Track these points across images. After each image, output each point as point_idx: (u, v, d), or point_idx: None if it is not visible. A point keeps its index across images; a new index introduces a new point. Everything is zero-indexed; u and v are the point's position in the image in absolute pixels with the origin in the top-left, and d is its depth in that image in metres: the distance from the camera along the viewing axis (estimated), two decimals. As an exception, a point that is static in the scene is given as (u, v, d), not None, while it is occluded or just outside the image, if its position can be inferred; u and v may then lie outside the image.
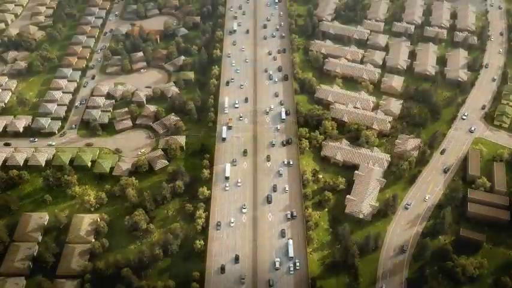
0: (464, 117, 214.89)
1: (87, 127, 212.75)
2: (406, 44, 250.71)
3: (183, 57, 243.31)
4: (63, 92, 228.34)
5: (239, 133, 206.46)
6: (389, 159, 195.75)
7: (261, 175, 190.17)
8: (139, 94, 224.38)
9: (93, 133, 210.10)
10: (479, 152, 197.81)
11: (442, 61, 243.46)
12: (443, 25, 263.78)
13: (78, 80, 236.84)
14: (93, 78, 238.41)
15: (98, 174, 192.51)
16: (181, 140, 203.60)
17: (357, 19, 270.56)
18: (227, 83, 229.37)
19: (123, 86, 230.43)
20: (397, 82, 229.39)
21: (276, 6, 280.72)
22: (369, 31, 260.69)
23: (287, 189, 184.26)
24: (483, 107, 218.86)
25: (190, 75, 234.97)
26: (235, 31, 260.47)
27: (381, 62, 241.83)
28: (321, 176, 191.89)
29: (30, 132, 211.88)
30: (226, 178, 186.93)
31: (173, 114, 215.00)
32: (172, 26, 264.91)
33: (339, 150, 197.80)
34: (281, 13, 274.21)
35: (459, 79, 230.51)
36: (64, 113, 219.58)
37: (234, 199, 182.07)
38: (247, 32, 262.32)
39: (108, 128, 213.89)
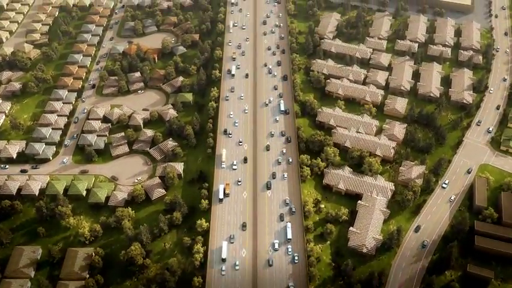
0: (470, 142, 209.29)
1: (83, 153, 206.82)
2: (410, 64, 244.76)
3: (181, 78, 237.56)
4: (58, 115, 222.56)
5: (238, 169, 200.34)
6: (393, 187, 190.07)
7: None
8: (136, 118, 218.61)
9: (88, 159, 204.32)
10: (486, 180, 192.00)
11: (446, 81, 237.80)
12: (447, 43, 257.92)
13: (73, 102, 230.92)
14: (83, 101, 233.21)
15: (93, 204, 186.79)
16: (179, 167, 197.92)
17: (359, 37, 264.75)
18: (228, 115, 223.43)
19: (119, 109, 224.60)
20: (400, 104, 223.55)
21: (276, 23, 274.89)
22: (371, 49, 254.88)
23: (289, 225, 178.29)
24: (488, 130, 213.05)
25: (189, 97, 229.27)
26: (234, 59, 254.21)
27: (384, 83, 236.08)
28: (323, 206, 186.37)
29: (24, 158, 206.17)
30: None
31: (171, 139, 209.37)
32: (170, 44, 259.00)
33: (342, 178, 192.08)
34: (282, 35, 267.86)
35: (464, 101, 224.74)
36: (59, 138, 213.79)
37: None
38: (243, 53, 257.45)
39: (104, 154, 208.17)
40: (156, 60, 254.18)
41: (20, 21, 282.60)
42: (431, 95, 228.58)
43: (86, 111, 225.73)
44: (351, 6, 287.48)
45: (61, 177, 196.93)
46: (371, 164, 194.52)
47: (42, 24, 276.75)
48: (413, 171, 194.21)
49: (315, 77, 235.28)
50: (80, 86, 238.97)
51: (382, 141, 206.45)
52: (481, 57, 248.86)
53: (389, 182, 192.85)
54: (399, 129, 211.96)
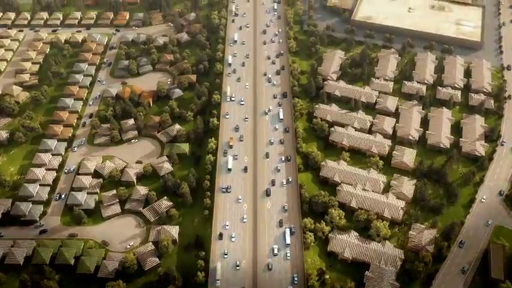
0: (483, 200, 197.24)
1: (72, 213, 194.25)
2: (418, 109, 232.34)
3: (177, 126, 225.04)
4: (46, 169, 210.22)
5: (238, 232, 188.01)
6: (402, 256, 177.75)
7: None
8: (129, 172, 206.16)
9: (77, 221, 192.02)
10: (502, 248, 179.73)
11: (457, 129, 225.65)
12: (457, 85, 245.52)
13: (63, 154, 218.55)
14: (73, 150, 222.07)
15: (82, 275, 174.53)
16: (174, 231, 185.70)
17: (364, 77, 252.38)
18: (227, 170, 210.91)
19: (111, 162, 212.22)
20: (408, 157, 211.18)
21: (277, 61, 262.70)
22: (377, 92, 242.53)
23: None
24: (500, 193, 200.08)
25: (185, 148, 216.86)
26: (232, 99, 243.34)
27: (391, 131, 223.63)
28: (327, 277, 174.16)
29: (9, 220, 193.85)
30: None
31: (165, 198, 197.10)
32: (166, 87, 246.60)
33: (348, 245, 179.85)
34: (280, 79, 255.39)
35: (476, 153, 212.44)
36: (47, 195, 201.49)
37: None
38: (246, 86, 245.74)
39: (95, 214, 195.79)
40: (151, 104, 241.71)
41: (9, 59, 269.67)
42: (441, 145, 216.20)
43: (73, 169, 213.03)
44: (355, 41, 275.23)
45: (48, 243, 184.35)
46: (379, 228, 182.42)
47: (32, 63, 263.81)
48: (424, 236, 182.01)
49: (318, 126, 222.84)
50: (70, 135, 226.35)
51: (390, 200, 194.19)
52: (492, 102, 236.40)
53: (399, 249, 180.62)
54: (408, 187, 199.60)
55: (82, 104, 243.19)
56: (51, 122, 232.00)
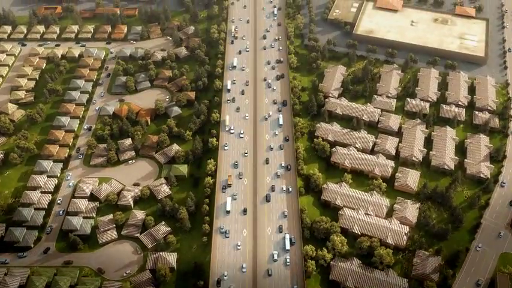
0: (489, 224, 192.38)
1: (67, 238, 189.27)
2: (421, 128, 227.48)
3: (175, 147, 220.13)
4: (41, 192, 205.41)
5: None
6: (406, 285, 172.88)
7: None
8: (126, 196, 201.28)
9: (73, 248, 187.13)
10: (508, 277, 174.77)
11: (461, 148, 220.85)
12: (461, 103, 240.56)
13: (59, 175, 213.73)
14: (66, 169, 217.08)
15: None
16: (172, 258, 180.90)
17: (366, 94, 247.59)
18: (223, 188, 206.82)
19: (108, 184, 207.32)
20: (412, 179, 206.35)
21: (277, 82, 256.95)
22: (379, 110, 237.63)
23: None
24: (499, 235, 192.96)
25: (183, 169, 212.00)
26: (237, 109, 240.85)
27: (394, 152, 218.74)
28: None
29: (3, 246, 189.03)
30: None
31: (163, 223, 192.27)
32: (164, 104, 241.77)
33: (350, 273, 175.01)
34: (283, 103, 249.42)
35: (481, 175, 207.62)
36: (42, 220, 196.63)
37: None
38: (246, 117, 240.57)
39: (91, 240, 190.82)
40: (149, 122, 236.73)
41: (4, 75, 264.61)
42: (446, 167, 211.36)
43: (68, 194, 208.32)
44: (356, 56, 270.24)
45: (43, 271, 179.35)
46: (382, 256, 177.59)
47: (28, 79, 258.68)
48: (429, 263, 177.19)
49: (319, 147, 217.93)
50: (66, 155, 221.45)
51: (393, 225, 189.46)
52: (497, 120, 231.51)
53: (402, 278, 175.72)
54: (412, 211, 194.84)
55: (78, 122, 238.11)
56: (47, 141, 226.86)
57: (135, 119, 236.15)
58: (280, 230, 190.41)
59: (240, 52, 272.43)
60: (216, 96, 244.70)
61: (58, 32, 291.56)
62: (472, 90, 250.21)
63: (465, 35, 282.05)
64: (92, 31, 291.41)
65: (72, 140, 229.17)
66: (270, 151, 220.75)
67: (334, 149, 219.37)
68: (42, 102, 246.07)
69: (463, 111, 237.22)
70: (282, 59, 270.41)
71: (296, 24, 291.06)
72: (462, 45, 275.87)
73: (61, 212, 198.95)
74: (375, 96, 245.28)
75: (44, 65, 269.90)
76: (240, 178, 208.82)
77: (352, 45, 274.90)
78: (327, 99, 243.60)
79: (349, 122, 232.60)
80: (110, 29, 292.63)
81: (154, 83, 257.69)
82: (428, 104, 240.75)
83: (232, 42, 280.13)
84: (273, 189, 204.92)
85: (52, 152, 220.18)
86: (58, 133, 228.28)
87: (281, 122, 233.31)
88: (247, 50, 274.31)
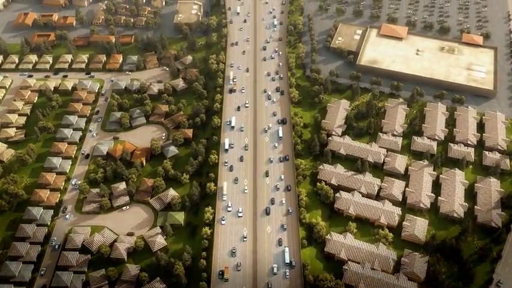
0: (500, 284, 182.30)
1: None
2: (429, 171, 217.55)
3: (171, 192, 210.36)
4: (30, 243, 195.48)
5: None
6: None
7: None
8: (119, 248, 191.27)
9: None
10: None
11: (471, 193, 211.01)
12: (469, 142, 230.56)
13: (49, 224, 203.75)
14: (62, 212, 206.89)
15: None
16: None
17: (371, 131, 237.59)
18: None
19: (100, 234, 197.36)
20: (420, 228, 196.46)
21: (280, 127, 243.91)
22: (385, 150, 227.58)
23: None
24: None
25: (180, 218, 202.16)
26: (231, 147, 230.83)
27: (400, 197, 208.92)
28: None
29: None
30: None
31: (158, 279, 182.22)
32: (160, 144, 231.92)
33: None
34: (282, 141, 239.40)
35: (493, 224, 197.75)
36: (30, 275, 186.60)
37: None
38: (246, 147, 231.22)
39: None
40: (144, 163, 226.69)
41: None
42: (455, 215, 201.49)
43: (58, 246, 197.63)
44: (360, 89, 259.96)
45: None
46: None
47: (19, 115, 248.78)
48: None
49: (322, 192, 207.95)
50: (57, 201, 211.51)
51: (401, 282, 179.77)
52: (508, 162, 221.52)
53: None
54: (420, 265, 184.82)
55: (71, 163, 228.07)
56: (37, 185, 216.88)
57: (130, 159, 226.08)
58: None
59: (238, 108, 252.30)
60: (214, 135, 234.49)
61: (51, 61, 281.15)
62: (481, 126, 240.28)
63: (473, 66, 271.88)
64: (86, 60, 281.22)
65: (63, 183, 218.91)
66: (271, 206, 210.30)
67: (337, 194, 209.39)
68: (33, 142, 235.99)
69: (472, 150, 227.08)
70: (283, 90, 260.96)
71: (297, 53, 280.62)
72: (470, 76, 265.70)
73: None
74: (380, 134, 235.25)
75: (36, 98, 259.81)
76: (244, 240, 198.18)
77: (355, 77, 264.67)
78: (330, 138, 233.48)
79: (354, 162, 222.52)
80: (104, 58, 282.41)
81: (150, 119, 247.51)
82: (435, 143, 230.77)
83: (230, 92, 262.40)
84: (279, 243, 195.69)
85: (42, 197, 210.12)
86: (49, 176, 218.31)
87: (282, 176, 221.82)
88: (244, 100, 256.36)
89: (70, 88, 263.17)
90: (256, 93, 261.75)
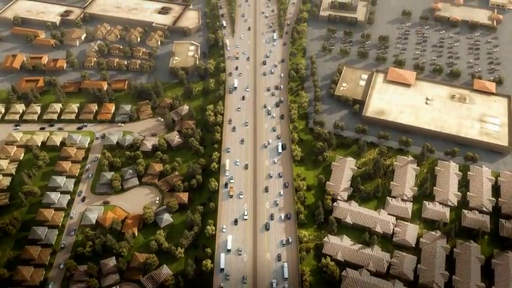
0: None
1: None
2: (442, 244, 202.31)
3: (165, 270, 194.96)
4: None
5: None
6: None
7: None
8: None
9: None
10: None
11: (487, 269, 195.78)
12: (485, 209, 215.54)
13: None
14: None
15: None
16: None
17: (379, 195, 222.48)
18: None
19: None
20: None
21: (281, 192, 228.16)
22: (394, 219, 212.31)
23: None
24: None
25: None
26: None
27: (412, 276, 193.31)
28: None
29: None
30: None
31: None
32: (153, 209, 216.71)
33: None
34: (287, 201, 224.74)
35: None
36: None
37: None
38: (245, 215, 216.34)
39: None
40: (136, 234, 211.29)
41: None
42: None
43: None
44: (367, 143, 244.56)
45: None
46: None
47: (3, 175, 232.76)
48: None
49: (328, 270, 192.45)
50: (41, 279, 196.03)
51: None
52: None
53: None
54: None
55: (58, 232, 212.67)
56: (20, 261, 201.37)
57: (121, 229, 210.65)
58: None
59: (236, 162, 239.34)
60: (212, 202, 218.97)
61: (39, 111, 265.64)
62: (496, 189, 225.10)
63: (486, 117, 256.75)
64: (76, 110, 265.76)
65: (49, 257, 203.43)
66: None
67: (344, 272, 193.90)
68: (17, 207, 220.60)
69: (487, 219, 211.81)
70: (284, 146, 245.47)
71: (300, 102, 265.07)
72: (483, 130, 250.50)
73: None
74: (389, 199, 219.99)
75: (23, 155, 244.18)
76: None
77: (361, 131, 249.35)
78: (335, 204, 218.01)
79: (361, 232, 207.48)
80: (96, 107, 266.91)
81: (143, 179, 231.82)
82: (448, 210, 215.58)
83: (233, 130, 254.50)
84: None
85: (25, 276, 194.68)
86: (33, 250, 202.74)
87: (283, 237, 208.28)
88: (244, 161, 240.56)
89: (58, 143, 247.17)
90: (256, 147, 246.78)
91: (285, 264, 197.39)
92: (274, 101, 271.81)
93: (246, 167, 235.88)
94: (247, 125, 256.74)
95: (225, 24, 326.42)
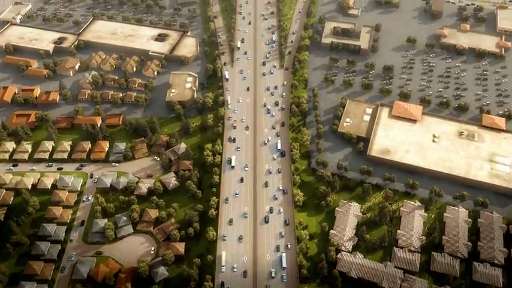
0: None
1: None
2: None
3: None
4: None
5: None
6: None
7: None
8: None
9: None
10: None
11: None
12: (497, 261, 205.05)
13: None
14: None
15: None
16: None
17: (385, 244, 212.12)
18: None
19: None
20: None
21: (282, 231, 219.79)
22: (401, 272, 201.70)
23: None
24: None
25: None
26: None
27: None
28: None
29: None
30: None
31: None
32: (148, 262, 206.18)
33: None
34: (289, 245, 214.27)
35: None
36: None
37: None
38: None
39: None
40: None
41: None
42: None
43: None
44: (371, 186, 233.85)
45: None
46: None
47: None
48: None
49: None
50: None
51: None
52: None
53: None
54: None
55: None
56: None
57: (114, 285, 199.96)
58: None
59: (236, 195, 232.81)
60: (209, 254, 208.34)
61: (30, 150, 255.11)
62: (508, 236, 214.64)
63: (495, 157, 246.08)
64: (69, 149, 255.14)
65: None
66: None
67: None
68: (5, 258, 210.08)
69: (499, 272, 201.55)
70: (286, 190, 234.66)
71: (302, 140, 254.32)
72: (493, 171, 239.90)
73: None
74: (395, 249, 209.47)
75: (12, 198, 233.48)
76: None
77: (366, 172, 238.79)
78: (339, 255, 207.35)
79: (367, 287, 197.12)
80: (89, 145, 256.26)
81: (138, 227, 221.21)
82: (458, 262, 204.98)
83: (231, 167, 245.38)
84: None
85: None
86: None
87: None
88: (243, 208, 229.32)
89: (49, 186, 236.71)
90: (256, 187, 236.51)
91: None
92: (275, 138, 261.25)
93: (245, 214, 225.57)
94: (246, 169, 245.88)
95: (223, 53, 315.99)
